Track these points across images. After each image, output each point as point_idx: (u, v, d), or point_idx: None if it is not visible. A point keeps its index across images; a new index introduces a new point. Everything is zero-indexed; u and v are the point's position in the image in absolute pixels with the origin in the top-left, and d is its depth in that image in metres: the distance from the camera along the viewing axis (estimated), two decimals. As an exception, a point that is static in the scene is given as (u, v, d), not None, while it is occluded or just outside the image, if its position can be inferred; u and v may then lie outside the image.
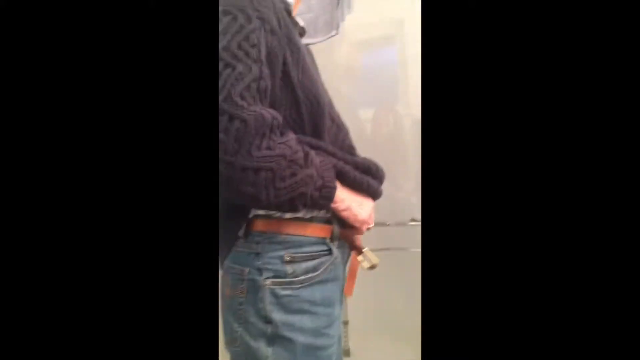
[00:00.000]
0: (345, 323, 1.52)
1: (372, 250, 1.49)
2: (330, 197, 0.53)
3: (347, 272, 0.63)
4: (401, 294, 1.61)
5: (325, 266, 0.56)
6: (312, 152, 0.53)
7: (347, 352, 1.51)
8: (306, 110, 0.55)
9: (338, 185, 0.55)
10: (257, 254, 0.53)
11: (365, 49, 1.52)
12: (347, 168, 0.57)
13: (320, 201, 0.53)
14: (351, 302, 1.55)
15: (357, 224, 0.59)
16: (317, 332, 0.54)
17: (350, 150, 0.63)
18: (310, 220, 0.55)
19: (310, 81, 0.57)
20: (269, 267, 0.53)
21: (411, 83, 1.49)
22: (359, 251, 0.61)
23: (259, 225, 0.54)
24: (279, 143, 0.48)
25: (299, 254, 0.54)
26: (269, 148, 0.47)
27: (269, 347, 0.52)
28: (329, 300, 0.56)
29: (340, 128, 0.62)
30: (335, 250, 0.57)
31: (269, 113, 0.49)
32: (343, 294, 0.64)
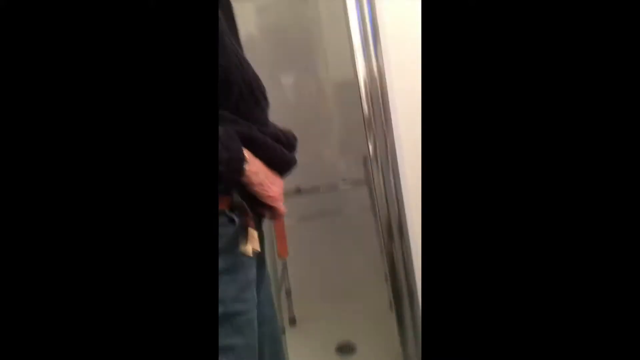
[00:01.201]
0: (289, 293, 1.53)
1: (308, 217, 1.49)
2: (240, 169, 0.49)
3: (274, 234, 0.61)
4: (340, 257, 1.66)
5: (227, 236, 0.51)
6: (222, 130, 0.48)
7: (292, 321, 1.53)
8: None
9: (248, 155, 0.50)
10: None
11: (273, 9, 1.43)
12: (258, 135, 0.53)
13: (229, 176, 0.48)
14: (292, 271, 1.56)
15: (268, 201, 0.55)
16: (228, 300, 0.50)
17: (262, 120, 0.58)
18: None
19: (222, 54, 0.50)
20: None
21: (328, 44, 1.46)
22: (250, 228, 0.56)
23: None
24: None
25: None
26: None
27: None
28: (238, 267, 0.53)
29: (258, 104, 0.57)
30: (237, 219, 0.52)
31: None
32: (258, 255, 0.59)
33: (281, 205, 0.56)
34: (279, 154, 0.56)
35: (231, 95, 0.53)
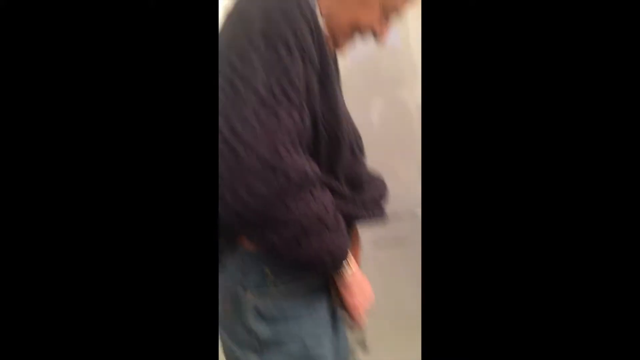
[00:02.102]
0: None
1: (383, 244, 1.43)
2: (339, 267, 0.55)
3: None
4: (414, 288, 1.54)
5: (307, 275, 0.56)
6: (341, 218, 0.53)
7: (362, 344, 1.42)
8: (324, 146, 0.55)
9: (352, 263, 0.56)
10: (241, 270, 0.54)
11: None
12: (358, 212, 0.59)
13: (329, 269, 0.55)
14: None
15: (349, 310, 0.61)
16: (303, 336, 0.56)
17: (360, 181, 0.63)
18: None
19: (334, 115, 0.55)
20: (251, 281, 0.54)
21: (416, 68, 1.51)
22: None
23: (245, 243, 0.55)
24: (316, 203, 0.49)
25: (279, 267, 0.54)
26: (306, 204, 0.47)
27: (258, 357, 0.55)
28: (315, 305, 0.58)
29: (357, 159, 0.62)
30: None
31: (311, 169, 0.49)
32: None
33: (361, 317, 0.63)
34: (372, 222, 0.62)
35: (341, 159, 0.58)
